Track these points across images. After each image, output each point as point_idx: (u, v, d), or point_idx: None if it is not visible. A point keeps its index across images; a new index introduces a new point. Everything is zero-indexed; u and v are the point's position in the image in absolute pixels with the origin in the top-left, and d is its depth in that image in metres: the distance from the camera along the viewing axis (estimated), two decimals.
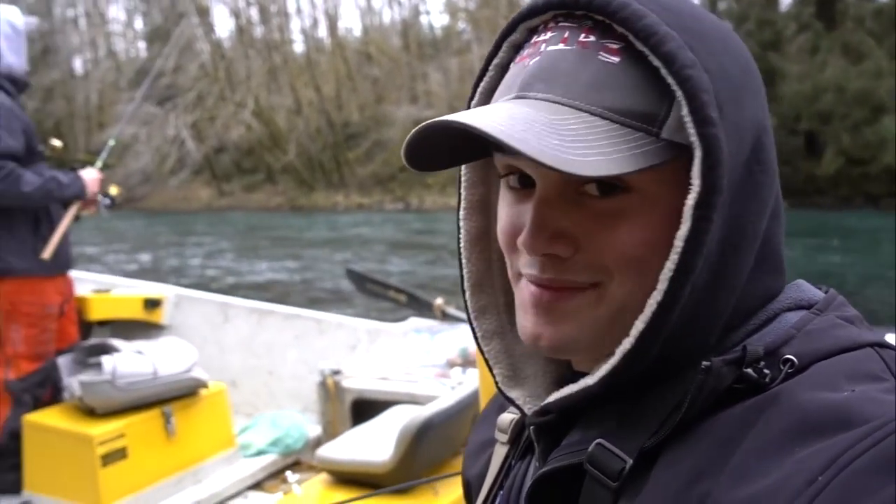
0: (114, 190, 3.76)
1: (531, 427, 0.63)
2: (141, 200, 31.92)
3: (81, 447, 2.98)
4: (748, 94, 0.55)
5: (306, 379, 3.89)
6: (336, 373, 3.67)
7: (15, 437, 3.24)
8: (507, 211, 0.59)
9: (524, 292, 0.59)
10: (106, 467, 2.98)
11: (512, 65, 0.59)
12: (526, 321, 0.59)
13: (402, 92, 35.32)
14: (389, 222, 25.24)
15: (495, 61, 0.62)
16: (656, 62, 0.51)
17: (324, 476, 2.76)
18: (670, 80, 0.51)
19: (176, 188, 33.96)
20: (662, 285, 0.52)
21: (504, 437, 0.72)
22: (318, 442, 3.62)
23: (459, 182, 0.68)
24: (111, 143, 4.11)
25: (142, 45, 39.62)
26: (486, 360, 0.67)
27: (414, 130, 0.55)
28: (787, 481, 0.44)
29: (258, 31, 37.82)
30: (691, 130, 0.50)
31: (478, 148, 0.59)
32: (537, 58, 0.55)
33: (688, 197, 0.51)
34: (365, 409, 3.50)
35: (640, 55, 0.52)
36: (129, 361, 3.13)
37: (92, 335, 3.99)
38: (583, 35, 0.54)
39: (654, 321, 0.53)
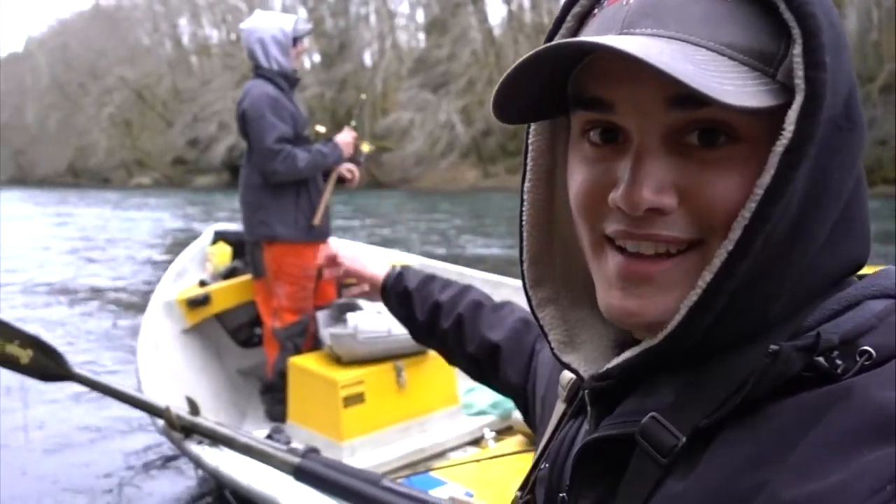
0: (366, 147, 4.29)
1: (586, 391, 0.62)
2: (414, 181, 34.56)
3: (329, 389, 3.47)
4: (845, 49, 0.51)
5: None
6: None
7: (282, 376, 3.87)
8: (588, 170, 0.56)
9: (609, 264, 0.55)
10: (347, 408, 3.43)
11: (602, 6, 0.56)
12: (612, 297, 0.55)
13: None
14: None
15: (561, 32, 0.60)
16: None
17: (519, 437, 2.93)
18: (789, 15, 0.48)
19: (445, 170, 36.18)
20: (735, 234, 0.49)
21: (563, 395, 0.72)
22: None
23: (526, 151, 0.66)
24: (363, 97, 4.68)
25: (421, 35, 42.60)
26: (542, 327, 0.66)
27: (529, 54, 0.52)
28: (851, 484, 0.41)
29: (528, 16, 38.63)
30: (799, 73, 0.48)
31: (551, 104, 0.58)
32: None
33: (776, 143, 0.48)
34: None
35: None
36: (369, 319, 3.56)
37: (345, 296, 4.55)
38: None
39: (723, 270, 0.50)
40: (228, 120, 36.71)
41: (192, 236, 5.63)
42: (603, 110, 0.54)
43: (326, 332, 3.68)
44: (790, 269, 0.52)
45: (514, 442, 2.98)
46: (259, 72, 3.93)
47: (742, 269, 0.50)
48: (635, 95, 0.52)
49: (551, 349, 0.65)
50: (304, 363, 3.71)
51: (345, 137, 4.09)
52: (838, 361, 0.49)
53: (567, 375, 0.72)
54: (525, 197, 0.66)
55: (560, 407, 0.73)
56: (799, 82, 0.48)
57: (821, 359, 0.49)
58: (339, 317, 3.77)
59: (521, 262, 0.67)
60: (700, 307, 0.51)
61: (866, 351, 0.49)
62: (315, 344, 4.02)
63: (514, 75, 0.53)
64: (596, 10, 0.57)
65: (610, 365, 0.58)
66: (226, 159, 38.41)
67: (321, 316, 3.89)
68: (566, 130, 0.63)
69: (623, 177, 0.52)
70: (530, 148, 0.66)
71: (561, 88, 0.58)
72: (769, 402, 0.49)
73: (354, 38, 40.23)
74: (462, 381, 4.00)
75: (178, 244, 11.03)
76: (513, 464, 2.59)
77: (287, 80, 3.96)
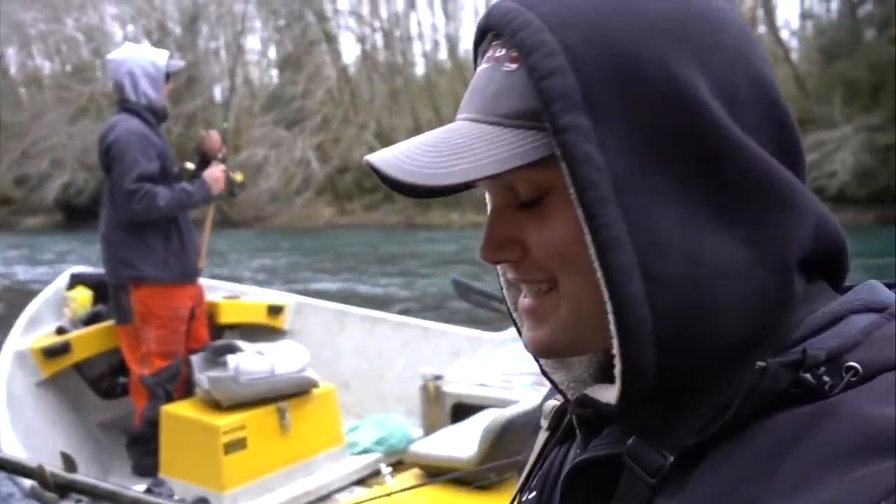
0: (239, 176, 4.18)
1: (573, 414, 0.63)
2: (269, 219, 33.78)
3: (208, 436, 3.31)
4: (665, 64, 0.51)
5: (412, 383, 4.11)
6: (437, 378, 3.86)
7: (152, 425, 3.64)
8: None
9: None
10: (228, 455, 3.29)
11: None
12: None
13: None
14: None
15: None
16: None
17: (415, 471, 2.94)
18: (537, 89, 0.52)
19: (301, 207, 35.67)
20: (605, 294, 0.51)
21: (545, 424, 0.73)
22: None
23: None
24: (226, 124, 4.54)
25: (274, 72, 42.08)
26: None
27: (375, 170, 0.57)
28: (845, 500, 0.41)
29: (382, 55, 39.26)
30: (553, 139, 0.52)
31: None
32: (473, 78, 0.59)
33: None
34: (463, 412, 3.66)
35: None
36: (250, 360, 3.46)
37: (222, 337, 4.39)
38: (498, 50, 0.56)
39: (621, 330, 0.51)
40: (63, 156, 34.25)
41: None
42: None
43: (203, 377, 3.52)
44: (717, 300, 0.51)
45: (410, 476, 2.98)
46: (125, 105, 3.76)
47: (637, 321, 0.50)
48: None
49: (540, 366, 0.67)
50: (179, 410, 3.53)
51: (213, 173, 3.97)
52: (825, 378, 0.49)
53: (548, 405, 0.73)
54: None
55: (543, 435, 0.73)
56: (555, 148, 0.52)
57: (808, 375, 0.49)
58: (215, 359, 3.63)
59: (501, 286, 0.69)
60: (630, 374, 0.52)
61: (852, 367, 0.49)
62: (187, 390, 3.83)
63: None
64: None
65: (588, 393, 0.60)
66: (60, 198, 35.75)
67: (196, 360, 3.72)
68: None
69: None
70: None
71: None
72: (757, 419, 0.50)
73: (204, 72, 39.02)
74: (346, 419, 3.96)
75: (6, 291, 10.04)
76: (412, 499, 2.60)
77: (155, 116, 3.81)
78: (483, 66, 0.58)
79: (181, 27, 38.88)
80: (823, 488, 0.43)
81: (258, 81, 41.56)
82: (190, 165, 4.14)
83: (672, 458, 0.52)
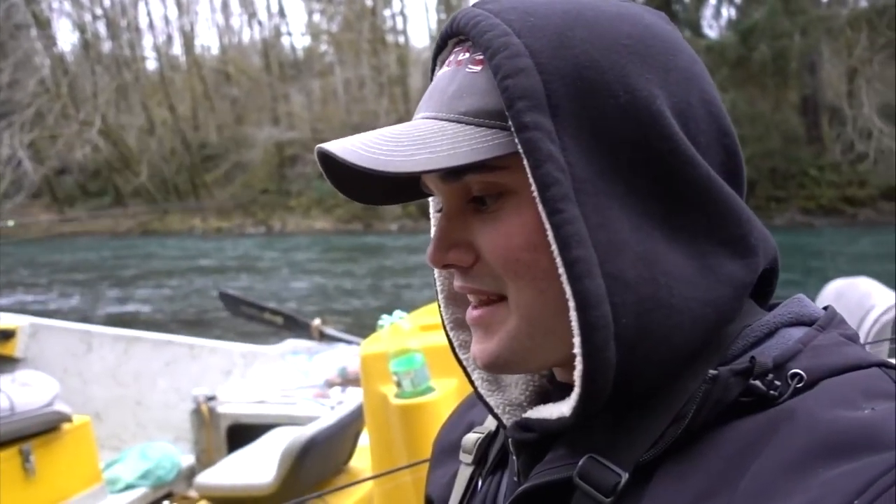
0: None
1: (510, 440, 0.60)
2: None
3: None
4: (625, 76, 0.52)
5: (178, 407, 3.77)
6: (210, 398, 3.58)
7: None
8: None
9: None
10: None
11: None
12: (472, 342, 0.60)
13: (263, 113, 34.57)
14: (250, 246, 24.57)
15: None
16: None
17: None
18: (499, 87, 0.52)
19: (11, 212, 31.31)
20: (567, 289, 0.51)
21: (468, 458, 0.70)
22: (191, 472, 3.50)
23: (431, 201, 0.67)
24: None
25: None
26: (465, 368, 0.66)
27: (321, 164, 0.57)
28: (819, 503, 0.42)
29: (106, 46, 35.84)
30: (515, 138, 0.51)
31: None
32: (432, 82, 0.59)
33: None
34: (241, 434, 3.44)
35: None
36: None
37: None
38: (461, 55, 0.57)
39: (584, 327, 0.50)
40: None
41: None
42: (427, 188, 0.61)
43: None
44: (671, 303, 0.52)
45: None
46: None
47: (599, 318, 0.50)
48: (428, 176, 0.58)
49: (475, 389, 0.65)
50: None
51: None
52: (776, 382, 0.50)
53: (470, 439, 0.71)
54: None
55: (466, 471, 0.70)
56: (518, 145, 0.51)
57: (758, 382, 0.50)
58: None
59: (439, 303, 0.67)
60: (590, 374, 0.51)
61: (797, 374, 0.50)
62: None
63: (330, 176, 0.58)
64: None
65: (530, 415, 0.58)
66: None
67: None
68: None
69: None
70: (431, 200, 0.67)
71: None
72: (710, 429, 0.50)
73: None
74: (101, 454, 3.50)
75: None
76: None
77: None
78: (444, 70, 0.58)
79: None
80: (793, 494, 0.43)
81: None
82: None
83: (627, 475, 0.50)
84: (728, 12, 27.28)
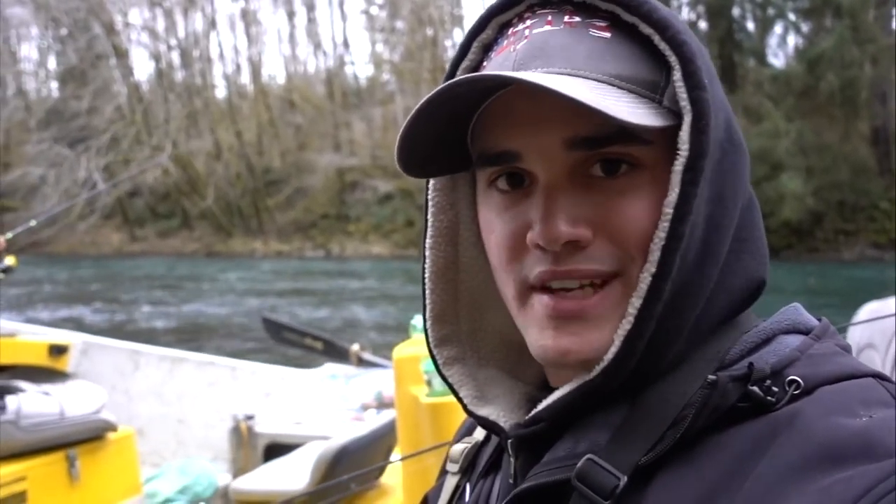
0: (10, 260, 3.78)
1: (510, 441, 0.59)
2: (46, 245, 30.57)
3: None
4: (716, 77, 0.55)
5: (217, 426, 3.87)
6: (249, 418, 3.67)
7: None
8: (501, 218, 0.56)
9: (536, 308, 0.55)
10: None
11: (490, 57, 0.57)
12: (545, 338, 0.55)
13: (326, 140, 35.38)
14: (309, 269, 25.02)
15: (464, 64, 0.60)
16: (647, 31, 0.52)
17: None
18: (664, 45, 0.51)
19: (84, 232, 32.73)
20: (654, 255, 0.51)
21: (455, 467, 0.70)
22: (227, 490, 3.59)
23: (427, 208, 0.65)
24: (32, 223, 4.13)
25: (54, 84, 38.52)
26: (450, 385, 0.64)
27: (435, 91, 0.53)
28: None
29: (179, 75, 37.36)
30: (683, 95, 0.50)
31: (454, 159, 0.59)
32: (524, 41, 0.54)
33: (675, 162, 0.51)
34: (277, 453, 3.51)
35: (629, 30, 0.53)
36: (34, 401, 3.06)
37: None
38: (567, 17, 0.54)
39: (651, 294, 0.51)
40: None
41: None
42: (509, 161, 0.55)
43: None
44: (701, 289, 0.53)
45: None
46: None
47: (666, 290, 0.51)
48: (538, 140, 0.53)
49: (464, 405, 0.63)
50: None
51: None
52: (774, 388, 0.50)
53: (456, 449, 0.71)
54: (427, 254, 0.65)
55: (453, 480, 0.70)
56: (684, 103, 0.50)
57: (755, 388, 0.50)
58: None
59: (425, 320, 0.66)
60: (634, 335, 0.52)
61: (795, 380, 0.51)
62: None
63: (415, 119, 0.53)
64: (485, 63, 0.58)
65: (540, 407, 0.57)
66: None
67: None
68: (468, 186, 0.64)
69: (536, 216, 0.53)
70: (430, 205, 0.64)
71: (458, 143, 0.59)
72: (708, 434, 0.50)
73: None
74: (142, 469, 3.62)
75: None
76: None
77: None
78: (542, 28, 0.54)
79: None
80: (792, 500, 0.43)
81: (35, 94, 37.83)
82: None
83: (626, 478, 0.50)
84: (794, 41, 26.74)
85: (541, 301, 0.55)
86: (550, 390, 0.58)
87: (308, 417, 3.69)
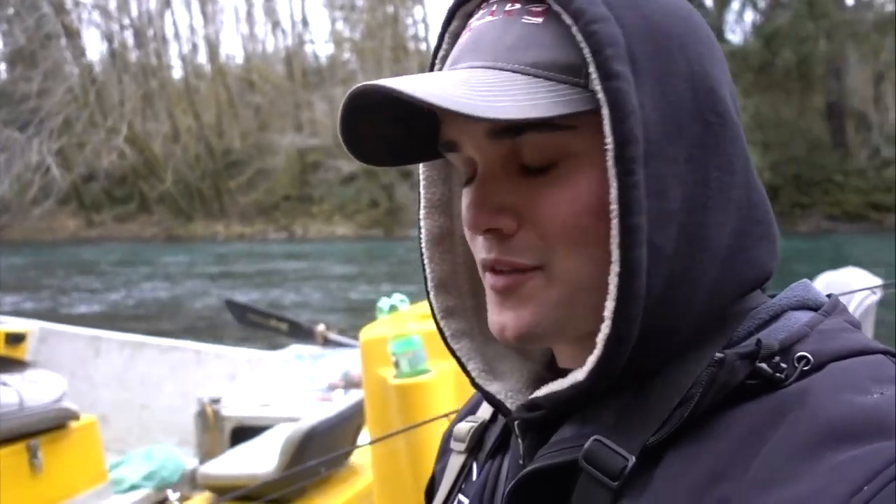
0: None
1: (516, 422, 0.59)
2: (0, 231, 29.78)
3: None
4: (685, 46, 0.53)
5: (183, 411, 3.83)
6: (215, 401, 3.64)
7: None
8: (463, 200, 0.57)
9: (487, 284, 0.56)
10: None
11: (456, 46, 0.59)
12: (491, 313, 0.56)
13: (286, 120, 34.93)
14: (272, 252, 24.79)
15: (440, 54, 0.61)
16: (568, 20, 0.51)
17: (206, 494, 2.74)
18: (579, 36, 0.50)
19: (39, 218, 31.93)
20: (615, 254, 0.50)
21: (461, 447, 0.69)
22: (194, 474, 3.56)
23: (419, 181, 0.66)
24: None
25: (2, 66, 37.29)
26: (458, 359, 0.64)
27: (341, 112, 0.53)
28: (826, 490, 0.41)
29: (133, 55, 36.44)
30: (597, 86, 0.49)
31: (426, 145, 0.59)
32: (468, 34, 0.55)
33: (606, 156, 0.49)
34: (245, 436, 3.48)
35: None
36: None
37: None
38: (508, 5, 0.54)
39: (622, 294, 0.50)
40: None
41: None
42: (456, 149, 0.56)
43: None
44: (702, 275, 0.52)
45: (202, 500, 2.75)
46: None
47: (639, 287, 0.49)
48: (467, 130, 0.54)
49: (471, 379, 0.63)
50: None
51: None
52: (783, 365, 0.49)
53: (462, 428, 0.70)
54: (422, 224, 0.65)
55: (458, 459, 0.69)
56: (600, 95, 0.49)
57: (764, 365, 0.49)
58: None
59: (427, 291, 0.65)
60: (614, 338, 0.51)
61: (804, 356, 0.50)
62: None
63: (345, 128, 0.54)
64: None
65: (538, 394, 0.56)
66: None
67: None
68: None
69: (465, 202, 0.55)
70: (422, 178, 0.65)
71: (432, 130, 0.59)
72: (717, 412, 0.50)
73: None
74: (108, 457, 3.57)
75: None
76: None
77: None
78: (485, 20, 0.54)
79: None
80: (802, 478, 0.43)
81: None
82: None
83: (634, 459, 0.49)
84: (751, 17, 27.08)
85: (489, 279, 0.56)
86: (557, 369, 0.59)
87: (275, 399, 3.67)
